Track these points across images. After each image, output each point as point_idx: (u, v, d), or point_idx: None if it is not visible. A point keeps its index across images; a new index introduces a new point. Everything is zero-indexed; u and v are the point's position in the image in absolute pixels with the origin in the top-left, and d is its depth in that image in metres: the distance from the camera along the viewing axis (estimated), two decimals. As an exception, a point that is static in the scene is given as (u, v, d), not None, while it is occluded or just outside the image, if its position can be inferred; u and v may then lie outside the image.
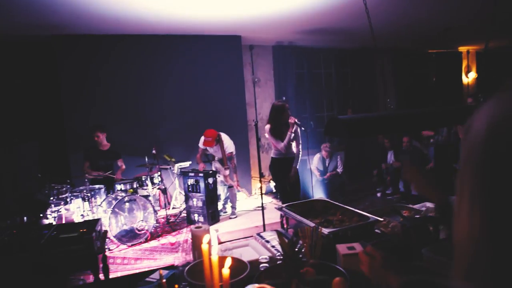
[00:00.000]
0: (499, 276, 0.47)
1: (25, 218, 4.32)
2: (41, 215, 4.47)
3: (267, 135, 4.73)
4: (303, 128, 4.62)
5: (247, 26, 6.01)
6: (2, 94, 5.91)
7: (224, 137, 5.45)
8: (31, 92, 6.12)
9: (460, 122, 2.94)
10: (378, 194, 6.97)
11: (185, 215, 5.57)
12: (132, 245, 4.63)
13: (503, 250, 0.44)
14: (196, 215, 5.37)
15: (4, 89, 5.94)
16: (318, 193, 6.42)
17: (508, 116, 0.50)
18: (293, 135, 4.54)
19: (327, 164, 6.77)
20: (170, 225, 5.33)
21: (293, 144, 4.66)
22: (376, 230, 2.25)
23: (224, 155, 5.42)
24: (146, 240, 4.76)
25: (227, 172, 5.49)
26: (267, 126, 4.66)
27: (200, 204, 5.29)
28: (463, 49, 10.28)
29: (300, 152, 4.72)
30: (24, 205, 4.32)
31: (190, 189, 5.38)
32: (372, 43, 3.61)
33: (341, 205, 2.50)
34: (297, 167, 4.71)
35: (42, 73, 6.08)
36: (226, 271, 1.03)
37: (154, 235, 4.92)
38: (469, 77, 10.46)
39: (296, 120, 4.51)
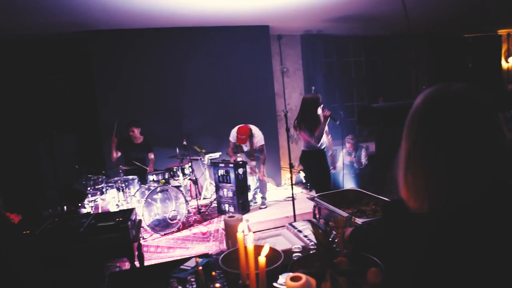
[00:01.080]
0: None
1: (65, 207, 4.52)
2: (79, 204, 4.66)
3: (295, 130, 4.72)
4: (338, 122, 4.56)
5: (275, 15, 5.96)
6: (41, 89, 6.17)
7: (255, 130, 5.52)
8: (69, 87, 6.36)
9: (499, 109, 2.81)
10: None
11: (216, 205, 5.65)
12: (164, 234, 4.75)
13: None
14: (226, 205, 5.43)
15: (43, 85, 6.19)
16: (348, 183, 6.35)
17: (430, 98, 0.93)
18: (326, 127, 4.52)
19: (353, 157, 6.73)
20: (201, 215, 5.42)
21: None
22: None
23: (252, 148, 5.50)
24: (178, 230, 4.87)
25: (254, 163, 5.54)
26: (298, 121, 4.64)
27: (230, 194, 5.35)
28: (503, 32, 9.74)
29: (331, 140, 4.78)
30: (64, 195, 4.52)
31: (220, 180, 5.45)
32: (404, 29, 3.50)
33: (374, 195, 2.46)
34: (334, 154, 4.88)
35: (79, 69, 6.29)
36: (262, 259, 1.04)
37: (185, 225, 5.03)
38: (509, 62, 9.94)
39: (331, 113, 4.48)
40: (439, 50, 8.98)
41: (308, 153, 4.73)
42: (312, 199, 2.54)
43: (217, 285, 1.29)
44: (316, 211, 2.50)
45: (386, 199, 2.32)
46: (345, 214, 2.08)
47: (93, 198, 4.79)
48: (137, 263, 3.24)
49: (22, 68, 6.06)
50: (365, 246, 1.48)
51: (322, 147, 4.66)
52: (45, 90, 6.21)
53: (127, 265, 3.87)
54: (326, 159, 4.76)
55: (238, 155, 5.71)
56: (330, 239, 1.45)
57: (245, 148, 5.66)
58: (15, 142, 5.95)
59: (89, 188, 4.82)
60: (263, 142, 5.52)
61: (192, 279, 1.45)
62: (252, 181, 5.88)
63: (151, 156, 5.75)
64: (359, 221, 1.93)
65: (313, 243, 1.80)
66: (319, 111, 4.48)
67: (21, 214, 4.66)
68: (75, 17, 5.09)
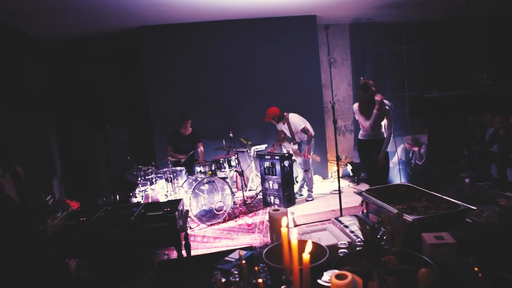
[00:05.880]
0: None
1: (117, 196, 4.74)
2: (130, 194, 4.88)
3: (355, 114, 4.65)
4: (389, 104, 4.41)
5: (323, 4, 5.80)
6: (96, 84, 6.48)
7: (292, 115, 5.50)
8: (121, 81, 6.62)
9: None
10: (467, 180, 6.40)
11: (261, 197, 5.67)
12: (211, 225, 4.84)
13: None
14: (272, 197, 5.43)
15: (98, 80, 6.50)
16: (398, 178, 6.10)
17: None
18: (378, 113, 4.34)
19: (410, 155, 6.48)
20: (247, 207, 5.47)
21: (383, 125, 4.48)
22: (467, 220, 2.05)
23: (292, 132, 5.48)
24: (224, 220, 4.95)
25: (296, 146, 5.52)
26: (356, 104, 4.60)
27: (276, 186, 5.34)
28: None
29: (391, 135, 4.44)
30: (116, 184, 4.74)
31: (266, 172, 5.45)
32: (461, 12, 3.24)
33: (427, 191, 2.33)
34: (386, 150, 4.46)
35: (130, 64, 6.53)
36: (306, 256, 1.01)
37: (231, 216, 5.10)
38: None
39: (383, 98, 4.32)
40: (502, 34, 8.26)
41: (362, 142, 4.60)
42: (359, 193, 2.46)
43: (260, 280, 1.28)
44: (364, 206, 2.42)
45: (439, 195, 2.19)
46: (394, 210, 1.99)
47: (143, 188, 4.99)
48: (184, 252, 3.32)
49: (79, 64, 6.39)
50: None
51: (380, 138, 4.50)
52: (99, 84, 6.50)
53: (175, 253, 4.00)
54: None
55: (284, 144, 5.73)
56: (378, 236, 1.39)
57: (288, 135, 5.64)
58: (74, 135, 6.32)
59: (139, 179, 5.03)
60: (303, 125, 5.44)
61: (236, 272, 1.45)
62: (299, 173, 5.83)
63: (201, 147, 5.87)
64: (409, 218, 1.84)
65: (360, 239, 1.74)
66: (374, 96, 4.37)
67: (79, 201, 4.96)
68: (126, 14, 5.27)
